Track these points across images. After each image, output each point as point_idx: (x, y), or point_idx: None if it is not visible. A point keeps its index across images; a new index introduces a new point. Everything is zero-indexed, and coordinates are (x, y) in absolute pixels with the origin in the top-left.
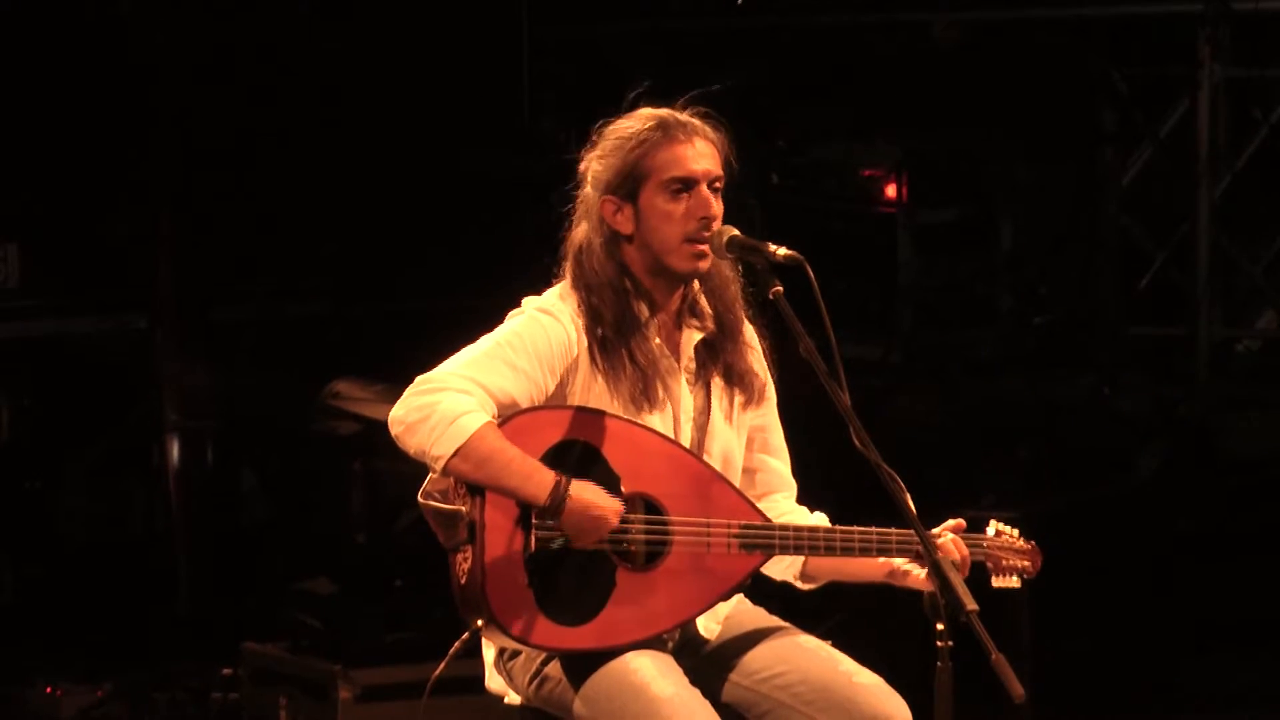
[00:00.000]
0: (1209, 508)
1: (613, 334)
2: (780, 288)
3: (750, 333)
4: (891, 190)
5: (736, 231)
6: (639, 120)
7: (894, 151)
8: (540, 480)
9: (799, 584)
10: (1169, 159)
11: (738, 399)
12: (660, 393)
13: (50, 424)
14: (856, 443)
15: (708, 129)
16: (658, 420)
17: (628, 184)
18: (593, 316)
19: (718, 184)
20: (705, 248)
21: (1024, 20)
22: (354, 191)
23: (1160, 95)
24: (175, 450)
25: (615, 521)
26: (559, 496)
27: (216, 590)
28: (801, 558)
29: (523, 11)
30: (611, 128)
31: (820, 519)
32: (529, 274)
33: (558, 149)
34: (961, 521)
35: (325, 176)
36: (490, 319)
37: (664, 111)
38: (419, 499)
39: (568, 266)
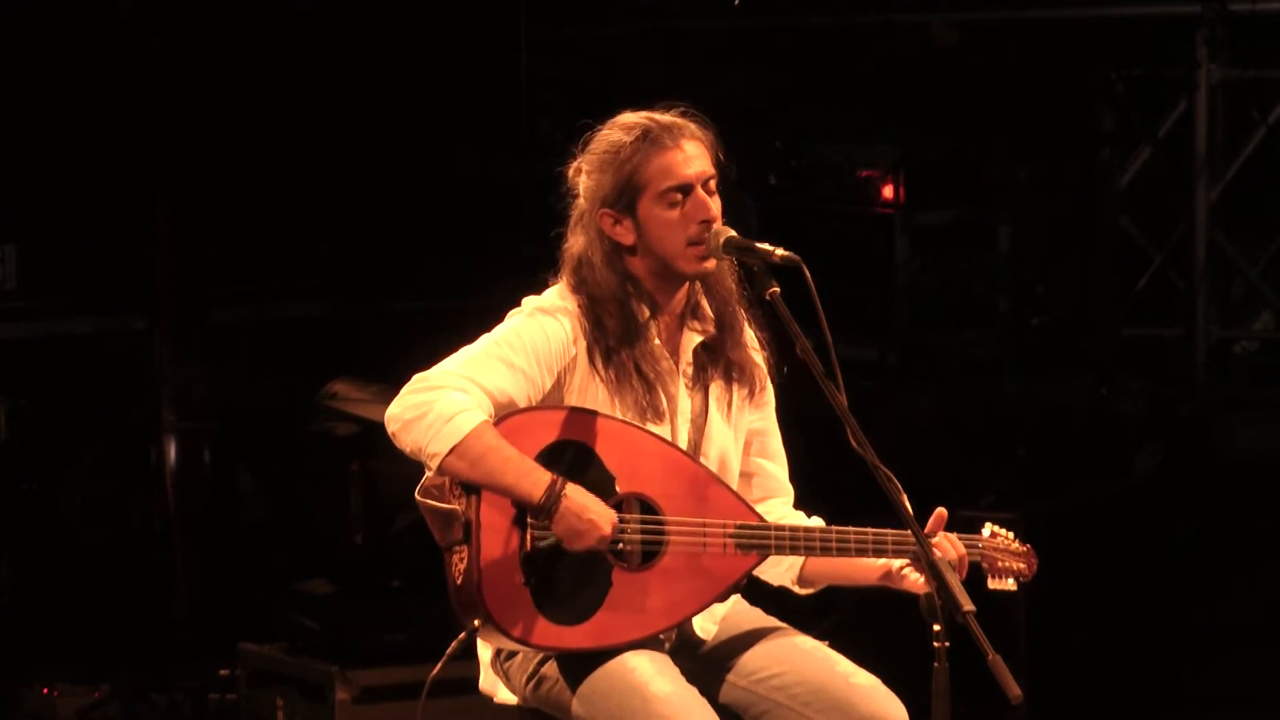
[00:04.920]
0: (1206, 508)
1: (617, 344)
2: (777, 288)
3: (751, 336)
4: (889, 191)
5: (733, 232)
6: (623, 130)
7: (892, 152)
8: (536, 479)
9: (796, 589)
10: (1167, 160)
11: (737, 395)
12: (664, 404)
13: (48, 425)
14: (854, 443)
15: (693, 127)
16: (655, 428)
17: (624, 197)
18: (596, 325)
19: (712, 182)
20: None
21: (1022, 21)
22: (352, 192)
23: (1158, 96)
24: (173, 451)
25: (607, 530)
26: (554, 496)
27: (214, 591)
28: (799, 563)
29: (521, 11)
30: (597, 140)
31: (817, 523)
32: (527, 275)
33: (556, 150)
34: (943, 511)
35: (323, 177)
36: (488, 320)
37: (645, 118)
38: (416, 496)
39: (566, 275)
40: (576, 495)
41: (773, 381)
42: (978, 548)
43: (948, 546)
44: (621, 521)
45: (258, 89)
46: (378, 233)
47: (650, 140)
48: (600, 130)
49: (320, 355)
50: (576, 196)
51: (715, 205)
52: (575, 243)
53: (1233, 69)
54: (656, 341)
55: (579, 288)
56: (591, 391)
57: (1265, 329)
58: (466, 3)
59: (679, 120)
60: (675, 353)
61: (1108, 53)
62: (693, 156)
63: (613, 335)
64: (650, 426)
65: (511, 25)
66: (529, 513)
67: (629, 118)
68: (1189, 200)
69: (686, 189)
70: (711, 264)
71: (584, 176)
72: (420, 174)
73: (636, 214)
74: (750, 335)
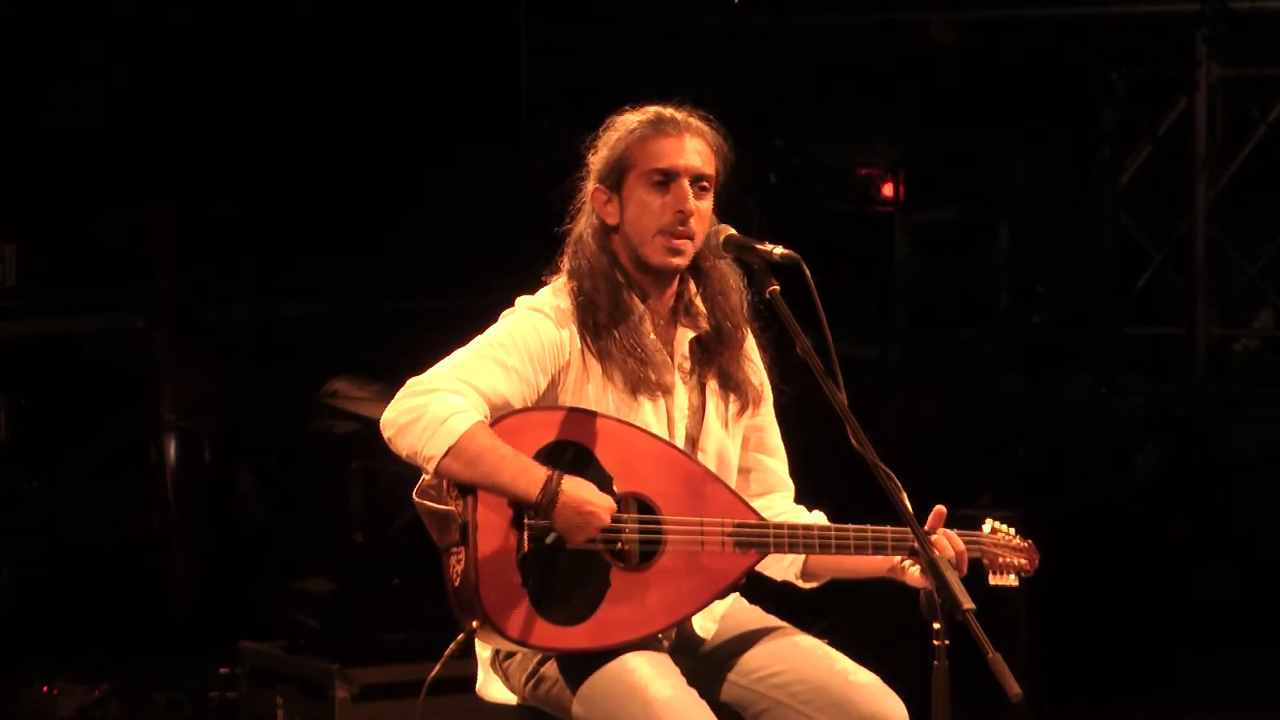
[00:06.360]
0: (1206, 507)
1: (607, 321)
2: (777, 287)
3: (751, 344)
4: (889, 189)
5: (733, 230)
6: (636, 114)
7: (892, 151)
8: (532, 476)
9: (800, 583)
10: (1167, 158)
11: (733, 405)
12: (654, 380)
13: (48, 424)
14: (854, 442)
15: (703, 128)
16: (651, 413)
17: (615, 173)
18: (587, 307)
19: (704, 183)
20: (680, 243)
21: (1022, 20)
22: (352, 191)
23: (1158, 95)
24: (173, 450)
25: (607, 519)
26: (551, 492)
27: (214, 589)
28: (801, 557)
29: (520, 11)
30: (613, 121)
31: (818, 517)
32: (527, 273)
33: (556, 148)
34: (942, 509)
35: (323, 176)
36: (488, 320)
37: (663, 108)
38: (414, 497)
39: (565, 257)
40: (573, 488)
41: (771, 379)
42: (978, 544)
43: (946, 544)
44: (619, 521)
45: (257, 88)
46: (377, 232)
47: (655, 124)
48: (621, 114)
49: (320, 355)
50: (586, 179)
51: (702, 206)
52: (576, 224)
53: (1232, 67)
54: (651, 335)
55: (573, 272)
56: (587, 388)
57: (1265, 328)
58: (466, 3)
59: (692, 119)
60: (669, 346)
61: (1108, 52)
62: (690, 150)
63: (603, 312)
64: (645, 403)
65: (511, 25)
66: (527, 510)
67: (648, 106)
68: (1189, 199)
69: (671, 175)
70: (681, 261)
71: (593, 154)
72: (420, 173)
73: (622, 192)
74: (751, 345)
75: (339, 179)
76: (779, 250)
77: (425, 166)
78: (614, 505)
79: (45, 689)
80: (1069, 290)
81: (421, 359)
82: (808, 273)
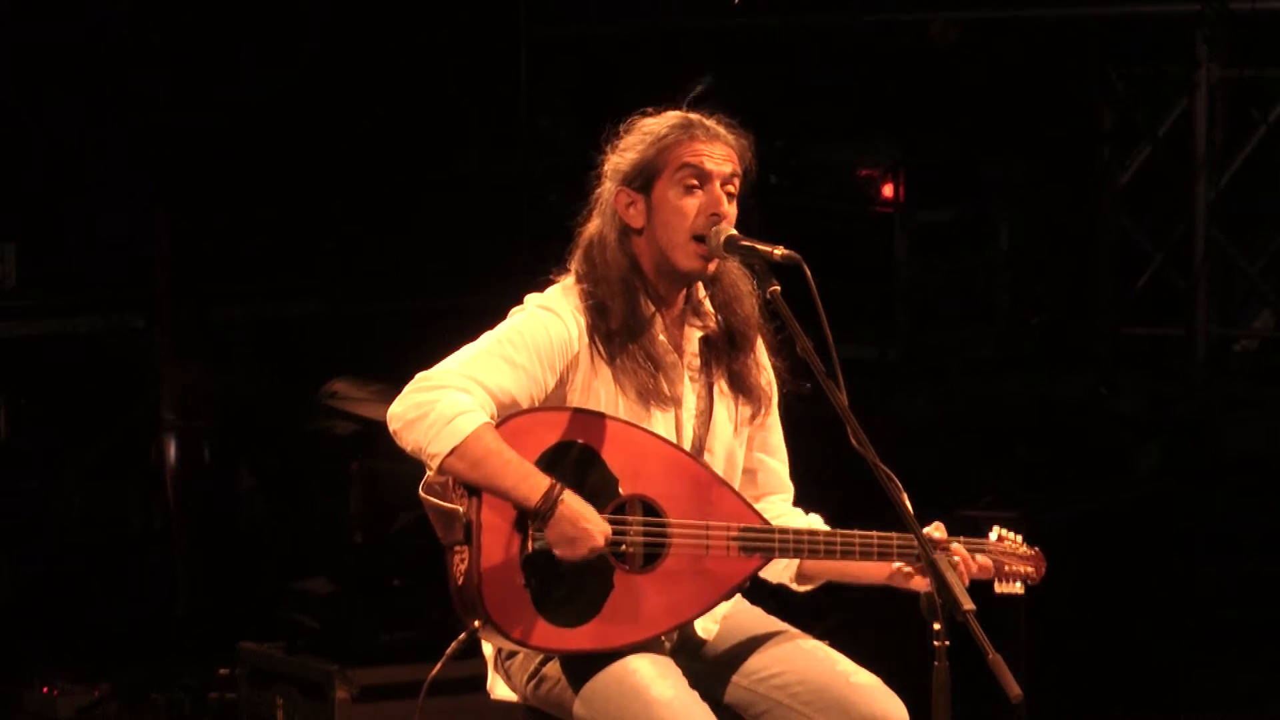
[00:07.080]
0: (1206, 507)
1: (620, 329)
2: (778, 287)
3: (762, 350)
4: (889, 190)
5: (734, 230)
6: (664, 118)
7: (892, 151)
8: (534, 483)
9: (794, 585)
10: (1167, 159)
11: (743, 408)
12: (667, 390)
13: (48, 424)
14: (854, 442)
15: (730, 136)
16: (660, 417)
17: (643, 176)
18: (598, 312)
19: (732, 185)
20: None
21: (1022, 20)
22: (352, 191)
23: (1158, 95)
24: (172, 450)
25: (600, 542)
26: (550, 501)
27: (214, 590)
28: (796, 560)
29: (520, 11)
30: (636, 124)
31: (815, 520)
32: (527, 273)
33: (556, 148)
34: (940, 525)
35: (323, 176)
36: (488, 318)
37: (689, 113)
38: (420, 492)
39: (575, 259)
40: (573, 502)
41: (778, 382)
42: (985, 552)
43: (962, 549)
44: (624, 524)
45: (257, 88)
46: (377, 232)
47: (685, 129)
48: (643, 116)
49: (320, 355)
50: (603, 181)
51: (731, 209)
52: (591, 225)
53: (1232, 68)
54: (661, 338)
55: (586, 274)
56: (595, 386)
57: (1265, 328)
58: (466, 3)
59: (721, 126)
60: (679, 348)
61: (1108, 52)
62: (721, 155)
63: (616, 319)
64: (656, 413)
65: (511, 25)
66: (526, 516)
67: (674, 111)
68: (1189, 199)
69: (705, 177)
70: (713, 267)
71: (615, 156)
72: (420, 173)
73: (651, 195)
74: (763, 355)
75: (339, 179)
76: (780, 251)
77: (425, 166)
78: (609, 530)
79: (45, 689)
80: (1069, 290)
81: (421, 359)
82: (808, 273)
